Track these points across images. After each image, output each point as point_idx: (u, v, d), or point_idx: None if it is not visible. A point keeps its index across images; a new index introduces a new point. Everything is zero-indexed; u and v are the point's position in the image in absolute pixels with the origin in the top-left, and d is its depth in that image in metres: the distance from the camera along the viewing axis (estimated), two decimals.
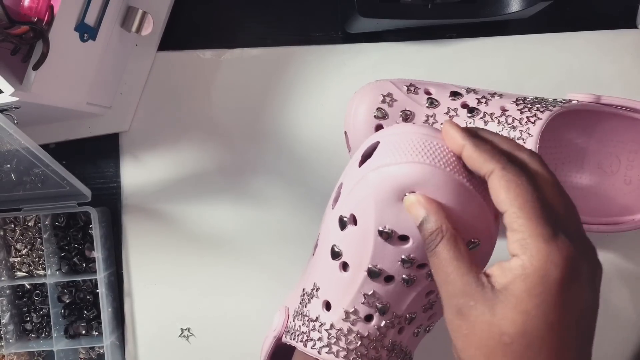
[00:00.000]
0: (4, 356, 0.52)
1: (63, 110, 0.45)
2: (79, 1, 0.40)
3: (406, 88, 0.46)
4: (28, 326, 0.54)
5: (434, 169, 0.31)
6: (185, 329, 0.53)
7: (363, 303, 0.35)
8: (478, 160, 0.29)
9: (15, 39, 0.36)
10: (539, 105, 0.43)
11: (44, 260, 0.52)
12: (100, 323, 0.50)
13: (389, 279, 0.35)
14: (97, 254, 0.50)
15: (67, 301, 0.53)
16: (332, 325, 0.36)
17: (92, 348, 0.54)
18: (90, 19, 0.42)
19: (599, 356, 0.32)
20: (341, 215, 0.35)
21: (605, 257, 0.53)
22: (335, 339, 0.36)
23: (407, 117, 0.45)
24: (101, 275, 0.50)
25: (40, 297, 0.53)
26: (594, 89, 0.46)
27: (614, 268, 0.53)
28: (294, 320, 0.40)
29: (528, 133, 0.42)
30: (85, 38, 0.42)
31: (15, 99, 0.37)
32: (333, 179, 0.52)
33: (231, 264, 0.52)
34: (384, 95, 0.45)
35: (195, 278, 0.52)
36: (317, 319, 0.37)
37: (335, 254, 0.36)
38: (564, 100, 0.45)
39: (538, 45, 0.53)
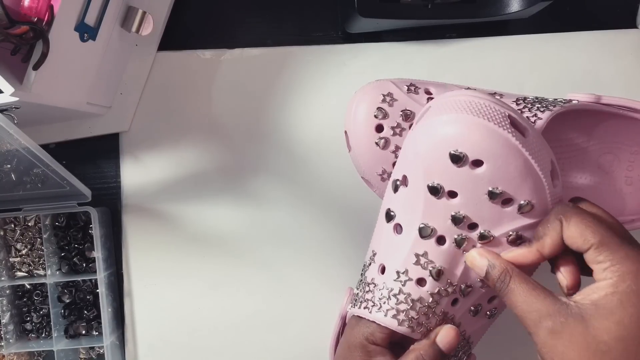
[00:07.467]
0: (4, 356, 0.52)
1: (63, 110, 0.45)
2: (79, 1, 0.40)
3: (406, 88, 0.46)
4: (28, 326, 0.54)
5: (477, 118, 0.31)
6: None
7: (415, 264, 0.35)
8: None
9: (15, 39, 0.36)
10: (539, 105, 0.43)
11: (44, 260, 0.52)
12: (100, 323, 0.50)
13: (440, 240, 0.35)
14: (97, 254, 0.50)
15: (67, 301, 0.53)
16: (384, 285, 0.36)
17: (92, 348, 0.54)
18: (90, 19, 0.42)
19: None
20: (395, 179, 0.37)
21: None
22: (385, 299, 0.36)
23: (407, 116, 0.45)
24: (101, 275, 0.50)
25: (40, 297, 0.53)
26: (594, 89, 0.46)
27: None
28: (356, 289, 0.40)
29: None
30: (85, 38, 0.42)
31: (15, 99, 0.37)
32: (333, 179, 0.53)
33: (231, 263, 0.52)
34: (384, 95, 0.45)
35: (196, 278, 0.52)
36: (372, 282, 0.38)
37: (389, 217, 0.37)
38: (564, 100, 0.45)
39: (538, 45, 0.53)
